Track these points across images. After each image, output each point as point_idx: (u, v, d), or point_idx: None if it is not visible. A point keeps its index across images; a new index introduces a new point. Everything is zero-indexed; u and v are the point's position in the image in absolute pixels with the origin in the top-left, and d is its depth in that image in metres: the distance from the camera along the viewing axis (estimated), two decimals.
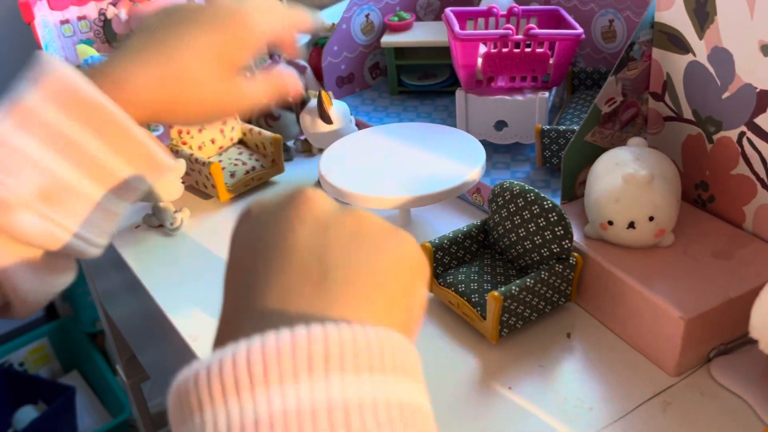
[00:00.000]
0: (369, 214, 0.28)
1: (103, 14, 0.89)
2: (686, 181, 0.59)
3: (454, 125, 0.79)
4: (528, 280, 0.52)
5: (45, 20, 0.82)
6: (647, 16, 0.58)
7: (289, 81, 0.48)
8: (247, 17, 0.43)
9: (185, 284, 0.64)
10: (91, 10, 0.89)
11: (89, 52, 0.86)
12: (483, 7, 0.78)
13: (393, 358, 0.22)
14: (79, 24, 0.88)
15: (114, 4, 0.89)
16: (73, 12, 0.87)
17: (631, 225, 0.52)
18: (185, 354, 0.59)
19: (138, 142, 0.39)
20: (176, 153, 0.76)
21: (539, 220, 0.53)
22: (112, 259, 0.76)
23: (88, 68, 0.39)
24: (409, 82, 0.90)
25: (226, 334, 0.25)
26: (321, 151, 0.85)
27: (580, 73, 0.79)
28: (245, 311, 0.25)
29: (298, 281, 0.25)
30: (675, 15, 0.55)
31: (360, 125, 0.84)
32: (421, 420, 0.22)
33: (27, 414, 1.57)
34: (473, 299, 0.54)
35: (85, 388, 1.68)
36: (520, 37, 0.68)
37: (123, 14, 0.87)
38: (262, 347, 0.20)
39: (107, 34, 0.91)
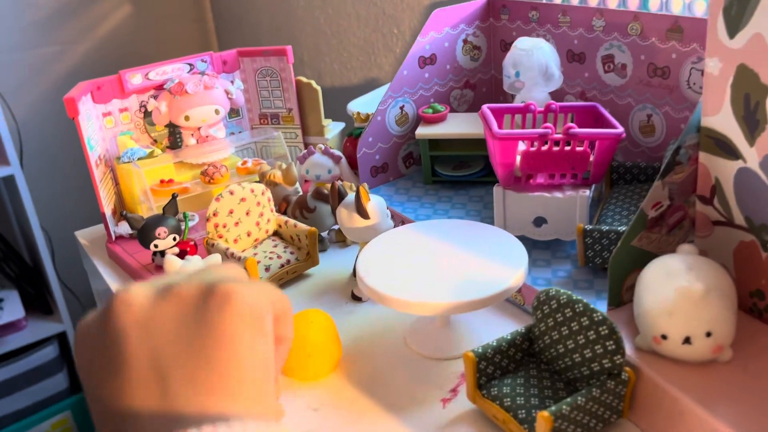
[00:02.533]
0: (182, 292, 0.28)
1: (144, 106, 0.91)
2: (740, 288, 0.57)
3: (489, 216, 0.78)
4: (579, 398, 0.49)
5: (88, 114, 0.84)
6: (693, 120, 0.57)
7: None
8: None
9: None
10: (132, 103, 0.91)
11: (129, 144, 0.87)
12: (519, 102, 0.78)
13: None
14: (120, 116, 0.90)
15: (155, 97, 0.91)
16: (115, 105, 0.89)
17: (687, 340, 0.50)
18: None
19: None
20: (212, 246, 0.76)
21: (588, 333, 0.51)
22: None
23: None
24: (443, 172, 0.90)
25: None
26: (354, 242, 0.84)
27: (618, 168, 0.78)
28: (108, 420, 0.26)
29: (143, 400, 0.26)
30: (723, 120, 0.55)
31: (394, 215, 0.83)
32: None
33: None
34: (520, 415, 0.51)
35: None
36: (559, 135, 0.67)
37: (163, 107, 0.89)
38: None
39: (147, 124, 0.93)
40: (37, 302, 1.78)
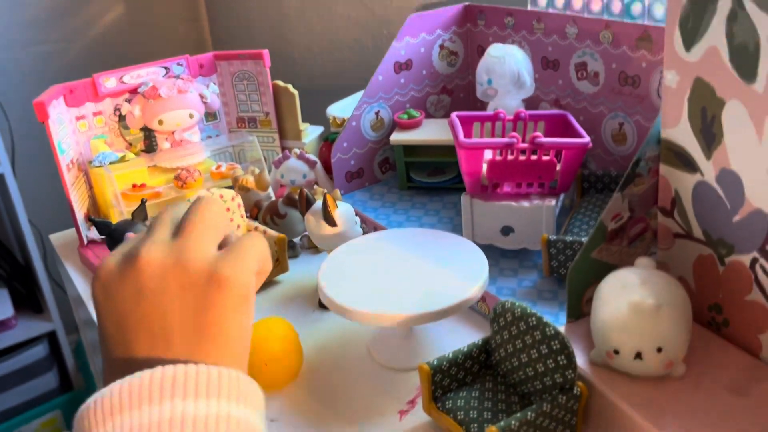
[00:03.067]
0: (193, 263, 0.33)
1: (118, 110, 0.91)
2: (699, 302, 0.57)
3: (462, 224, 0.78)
4: (529, 413, 0.49)
5: (60, 117, 0.84)
6: (654, 131, 0.56)
7: None
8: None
9: None
10: (106, 106, 0.91)
11: (101, 147, 0.87)
12: (491, 109, 0.78)
13: (230, 389, 0.30)
14: (94, 119, 0.90)
15: (129, 101, 0.90)
16: (89, 108, 0.89)
17: (638, 356, 0.49)
18: None
19: None
20: None
21: (541, 347, 0.50)
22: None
23: None
24: (418, 179, 0.90)
25: (108, 381, 0.31)
26: (324, 249, 0.84)
27: (590, 176, 0.77)
28: (120, 366, 0.32)
29: (151, 349, 0.32)
30: (681, 133, 0.54)
31: (367, 222, 0.83)
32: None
33: None
34: (472, 430, 0.51)
35: None
36: (525, 145, 0.67)
37: (137, 110, 0.88)
38: (130, 383, 0.29)
39: (122, 128, 0.93)
40: (28, 301, 1.78)
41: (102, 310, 0.33)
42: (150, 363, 0.30)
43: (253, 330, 0.61)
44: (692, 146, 0.54)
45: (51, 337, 1.79)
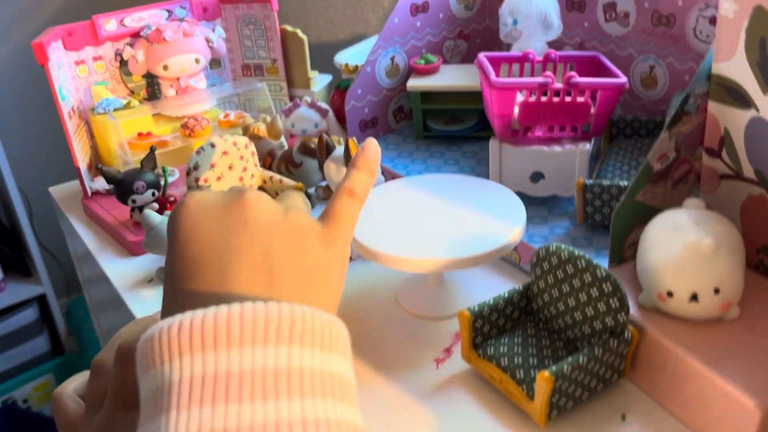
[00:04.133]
0: (300, 216, 0.31)
1: (120, 55, 0.86)
2: (747, 245, 0.55)
3: (484, 173, 0.75)
4: (581, 357, 0.47)
5: (60, 62, 0.79)
6: (704, 67, 0.54)
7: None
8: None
9: None
10: (107, 51, 0.86)
11: (104, 94, 0.83)
12: (517, 52, 0.75)
13: (331, 339, 0.26)
14: (94, 65, 0.85)
15: (131, 45, 0.86)
16: (88, 52, 0.84)
17: (694, 297, 0.47)
18: None
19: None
20: None
21: (591, 290, 0.48)
22: (114, 301, 0.71)
23: None
24: (435, 127, 0.87)
25: (176, 310, 0.28)
26: None
27: (618, 122, 0.75)
28: (202, 298, 0.28)
29: (249, 279, 0.29)
30: (736, 67, 0.51)
31: (385, 172, 0.80)
32: (350, 392, 0.26)
33: None
34: (518, 375, 0.49)
35: None
36: (559, 85, 0.64)
37: (140, 55, 0.84)
38: (229, 313, 0.24)
39: (123, 74, 0.88)
40: (16, 264, 1.73)
41: (186, 236, 0.30)
42: (245, 297, 0.27)
43: None
44: (747, 80, 0.51)
45: (41, 301, 1.75)
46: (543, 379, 0.45)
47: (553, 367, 0.46)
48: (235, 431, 0.22)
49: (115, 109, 0.80)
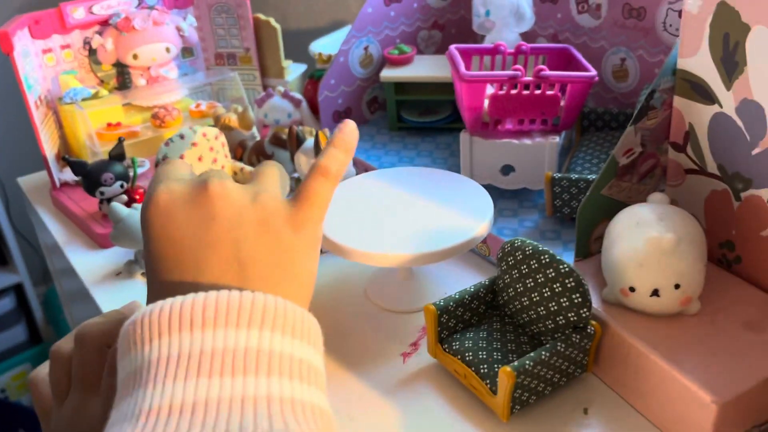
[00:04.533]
0: (269, 201, 0.32)
1: (88, 43, 0.85)
2: (710, 240, 0.55)
3: (457, 164, 0.75)
4: (543, 353, 0.47)
5: (26, 50, 0.77)
6: (669, 62, 0.54)
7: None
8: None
9: None
10: (75, 39, 0.84)
11: (72, 83, 0.81)
12: (488, 44, 0.74)
13: (302, 329, 0.27)
14: (62, 53, 0.84)
15: (100, 33, 0.84)
16: (56, 41, 0.83)
17: (655, 292, 0.48)
18: None
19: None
20: None
21: (554, 285, 0.49)
22: (82, 293, 0.71)
23: None
24: (409, 118, 0.86)
25: (157, 299, 0.28)
26: None
27: (590, 114, 0.75)
28: (179, 288, 0.30)
29: (221, 271, 0.30)
30: (699, 63, 0.52)
31: (357, 163, 0.79)
32: (318, 378, 0.27)
33: None
34: (482, 370, 0.49)
35: None
36: (529, 78, 0.64)
37: (109, 44, 0.82)
38: (206, 299, 0.26)
39: (92, 63, 0.86)
40: None
41: (159, 233, 0.31)
42: (218, 287, 0.28)
43: None
44: (711, 76, 0.51)
45: (18, 290, 1.74)
46: (505, 375, 0.46)
47: (515, 363, 0.46)
48: (204, 404, 0.23)
49: (83, 99, 0.78)
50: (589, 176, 0.62)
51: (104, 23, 0.84)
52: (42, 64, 0.82)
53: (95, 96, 0.80)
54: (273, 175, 0.35)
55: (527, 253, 0.50)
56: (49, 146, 0.79)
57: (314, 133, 0.76)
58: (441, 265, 0.65)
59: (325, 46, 0.96)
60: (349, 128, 0.36)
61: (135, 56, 0.83)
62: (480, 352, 0.50)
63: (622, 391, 0.50)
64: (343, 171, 0.34)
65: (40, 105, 0.79)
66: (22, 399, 1.70)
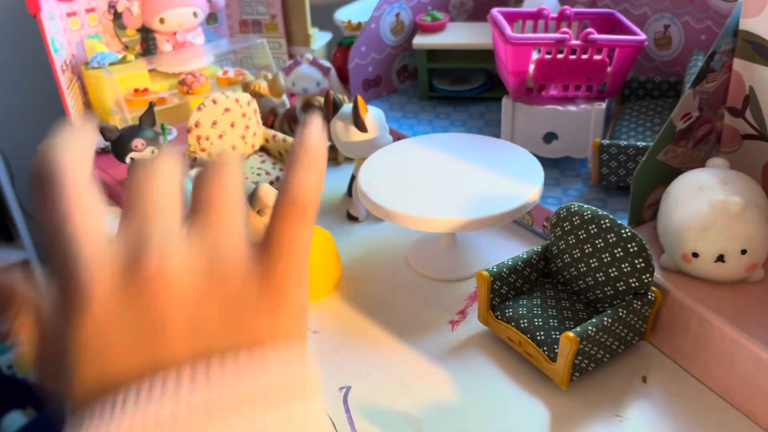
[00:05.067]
0: (231, 267, 0.22)
1: (113, 7, 0.83)
2: None
3: (492, 134, 0.73)
4: (605, 318, 0.46)
5: (51, 12, 0.75)
6: (731, 23, 0.52)
7: None
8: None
9: None
10: (100, 3, 0.82)
11: (98, 47, 0.79)
12: (529, 8, 0.72)
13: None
14: (87, 17, 0.81)
15: None
16: (81, 4, 0.81)
17: (720, 258, 0.46)
18: None
19: None
20: (194, 161, 0.69)
21: (616, 251, 0.47)
22: None
23: None
24: (441, 87, 0.84)
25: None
26: (348, 160, 0.79)
27: (631, 82, 0.73)
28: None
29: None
30: (763, 23, 0.50)
31: (391, 132, 0.78)
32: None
33: (15, 420, 1.50)
34: (538, 337, 0.48)
35: None
36: (577, 42, 0.62)
37: (135, 7, 0.80)
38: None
39: (117, 28, 0.84)
40: None
41: (84, 355, 0.20)
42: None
43: None
44: None
45: (24, 267, 1.72)
46: (568, 340, 0.44)
47: (578, 329, 0.45)
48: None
49: (110, 64, 0.76)
50: (637, 143, 0.61)
51: None
52: (66, 28, 0.80)
53: (122, 61, 0.78)
54: (232, 212, 0.23)
55: (586, 217, 0.49)
56: (74, 112, 0.77)
57: (347, 100, 0.74)
58: (483, 233, 0.64)
59: (352, 12, 0.94)
60: (315, 143, 0.24)
61: (161, 20, 0.81)
62: (535, 319, 0.49)
63: (682, 361, 0.49)
64: (318, 200, 0.24)
65: (66, 69, 0.77)
66: (30, 375, 1.70)
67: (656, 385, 0.48)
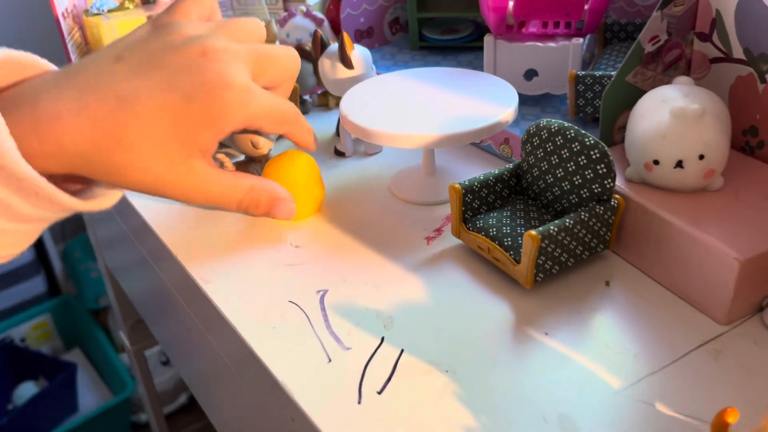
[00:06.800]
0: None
1: None
2: (734, 127, 0.55)
3: None
4: (567, 220, 0.48)
5: None
6: None
7: (276, 192, 0.35)
8: (233, 98, 0.30)
9: (196, 228, 0.60)
10: None
11: None
12: None
13: None
14: None
15: None
16: None
17: (679, 164, 0.48)
18: (198, 308, 0.55)
19: (59, 203, 0.30)
20: None
21: (579, 159, 0.49)
22: (117, 209, 0.72)
23: (20, 96, 0.29)
24: (431, 37, 0.87)
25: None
26: (339, 104, 0.81)
27: (613, 25, 0.75)
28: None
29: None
30: None
31: None
32: None
33: (27, 390, 1.55)
34: (506, 242, 0.50)
35: (87, 366, 1.66)
36: None
37: None
38: None
39: None
40: None
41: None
42: None
43: (276, 161, 0.59)
44: None
45: (37, 242, 1.76)
46: (530, 238, 0.46)
47: (540, 228, 0.47)
48: None
49: (108, 11, 0.79)
50: (611, 72, 0.63)
51: None
52: None
53: (120, 8, 0.80)
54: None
55: (553, 130, 0.51)
56: (77, 60, 0.80)
57: (340, 35, 0.76)
58: (463, 163, 0.66)
59: None
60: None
61: None
62: (504, 228, 0.51)
63: (644, 266, 0.51)
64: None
65: (67, 17, 0.80)
66: (42, 348, 1.74)
67: (618, 288, 0.50)
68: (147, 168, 0.29)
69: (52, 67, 0.31)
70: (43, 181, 0.27)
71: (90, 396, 1.57)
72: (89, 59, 0.30)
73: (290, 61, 0.34)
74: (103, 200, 0.31)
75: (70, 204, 0.29)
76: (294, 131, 0.35)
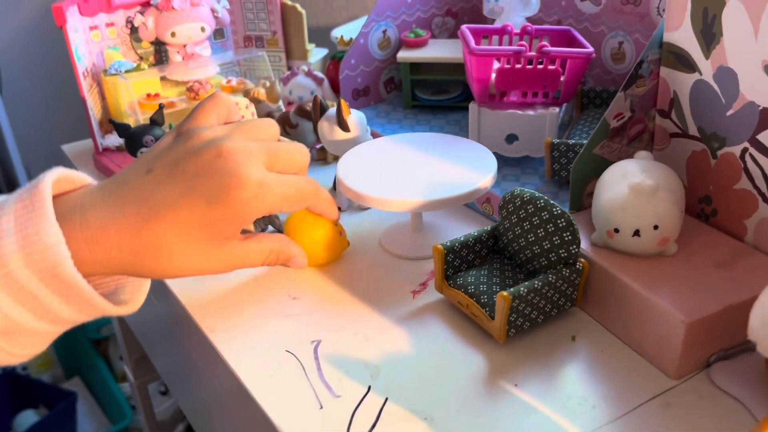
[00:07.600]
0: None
1: (130, 22, 0.93)
2: (690, 196, 0.62)
3: (466, 137, 0.82)
4: (536, 282, 0.54)
5: (75, 26, 0.85)
6: (656, 36, 0.60)
7: (291, 251, 0.44)
8: (249, 195, 0.36)
9: (205, 280, 0.66)
10: (119, 18, 0.92)
11: (115, 56, 0.89)
12: (497, 25, 0.81)
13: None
14: (107, 30, 0.92)
15: (141, 13, 0.92)
16: (101, 19, 0.91)
17: (637, 233, 0.54)
18: (202, 350, 0.61)
19: (97, 308, 0.35)
20: None
21: (548, 226, 0.55)
22: None
23: (71, 209, 0.35)
24: (422, 97, 0.93)
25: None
26: (336, 159, 0.88)
27: (589, 92, 0.81)
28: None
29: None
30: (683, 35, 0.58)
31: (375, 136, 0.86)
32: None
33: (27, 418, 1.57)
34: (482, 300, 0.56)
35: (87, 395, 1.69)
36: (533, 53, 0.71)
37: (150, 22, 0.90)
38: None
39: (133, 41, 0.94)
40: None
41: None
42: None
43: (297, 214, 0.65)
44: (692, 46, 0.58)
45: None
46: (502, 298, 0.52)
47: (512, 289, 0.53)
48: None
49: (126, 71, 0.86)
50: (584, 142, 0.69)
51: (146, 4, 0.92)
52: (88, 40, 0.90)
53: (137, 69, 0.87)
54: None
55: (525, 198, 0.57)
56: (94, 114, 0.87)
57: (335, 104, 0.83)
58: (449, 220, 0.72)
59: (345, 31, 1.03)
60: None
61: (173, 34, 0.90)
62: (481, 285, 0.57)
63: (607, 323, 0.57)
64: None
65: (87, 76, 0.86)
66: (43, 376, 1.77)
67: (583, 343, 0.55)
68: (184, 267, 0.35)
69: (91, 180, 0.37)
70: (90, 290, 0.33)
71: (89, 425, 1.61)
72: (127, 172, 0.36)
73: (300, 155, 0.41)
74: (132, 305, 0.38)
75: (108, 310, 0.35)
76: (315, 204, 0.42)
